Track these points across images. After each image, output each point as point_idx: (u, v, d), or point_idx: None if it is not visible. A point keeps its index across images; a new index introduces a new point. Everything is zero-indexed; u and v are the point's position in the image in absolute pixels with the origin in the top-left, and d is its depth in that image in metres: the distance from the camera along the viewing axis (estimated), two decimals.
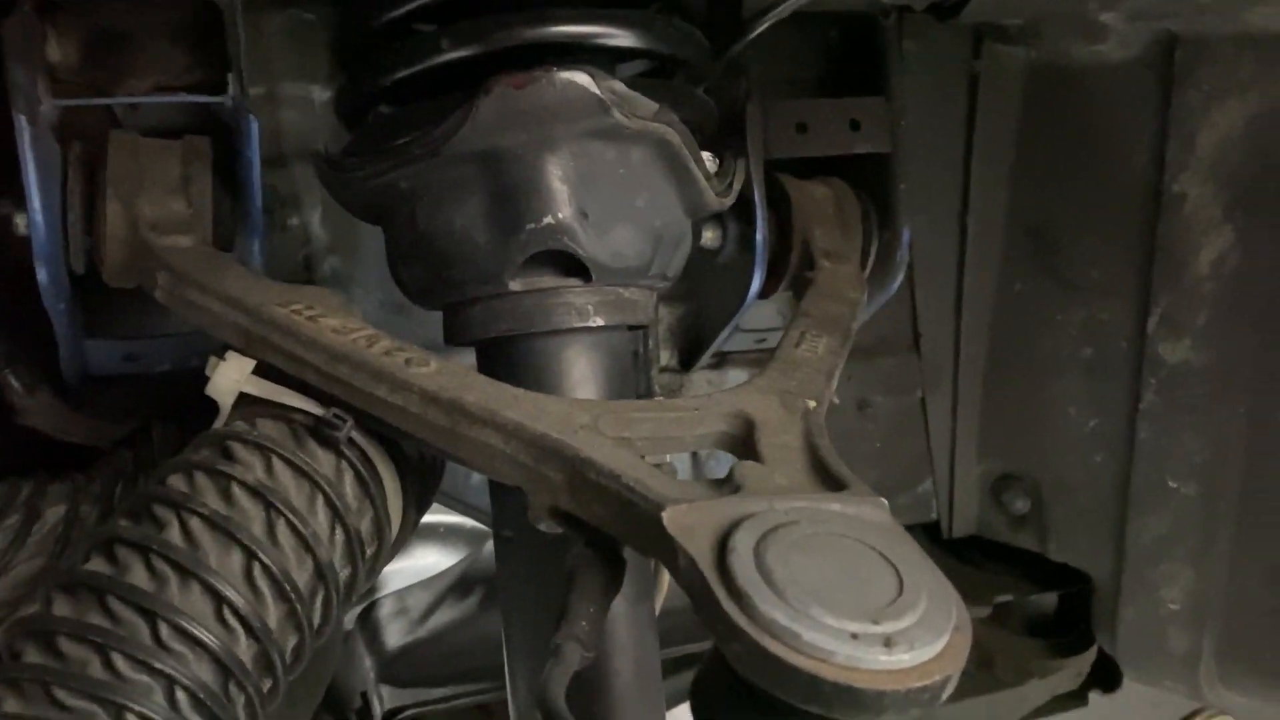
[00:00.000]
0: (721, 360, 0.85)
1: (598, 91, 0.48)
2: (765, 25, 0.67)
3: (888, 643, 0.37)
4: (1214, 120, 0.77)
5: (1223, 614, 0.85)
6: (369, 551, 0.53)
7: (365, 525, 0.52)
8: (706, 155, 0.57)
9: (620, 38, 0.52)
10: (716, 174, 0.57)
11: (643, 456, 0.47)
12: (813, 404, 0.54)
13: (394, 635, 0.84)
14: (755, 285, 0.72)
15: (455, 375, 0.49)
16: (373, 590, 0.89)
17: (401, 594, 0.86)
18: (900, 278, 0.77)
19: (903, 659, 0.37)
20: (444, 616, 0.84)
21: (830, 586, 0.39)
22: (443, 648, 0.83)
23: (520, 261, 0.51)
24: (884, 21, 0.77)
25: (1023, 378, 0.90)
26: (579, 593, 0.44)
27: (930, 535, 0.97)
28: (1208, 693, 0.88)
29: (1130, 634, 0.89)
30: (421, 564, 0.96)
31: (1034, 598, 0.98)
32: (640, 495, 0.43)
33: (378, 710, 0.80)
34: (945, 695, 0.38)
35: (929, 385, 0.92)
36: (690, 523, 0.41)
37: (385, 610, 0.85)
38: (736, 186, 0.58)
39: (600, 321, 0.53)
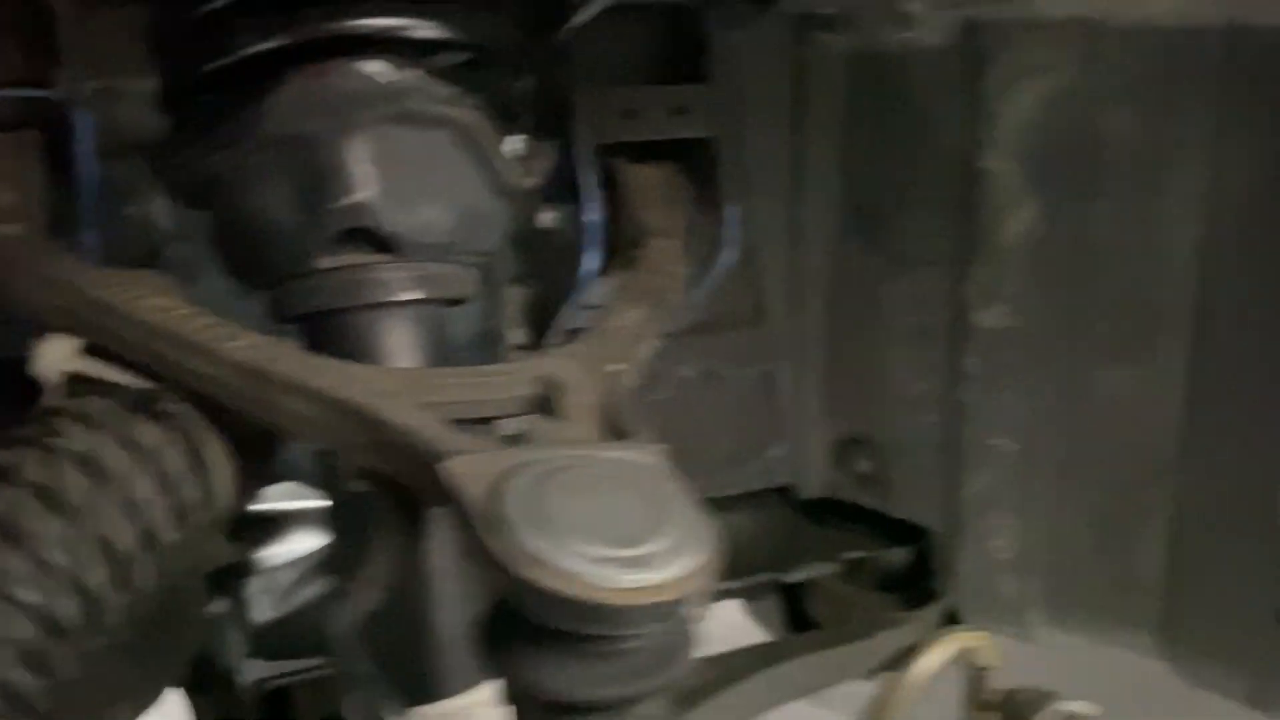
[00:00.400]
0: (574, 337, 0.89)
1: (392, 80, 0.52)
2: (586, 16, 0.72)
3: (633, 564, 0.42)
4: (1014, 101, 0.83)
5: (1047, 560, 0.92)
6: (199, 518, 0.56)
7: (191, 492, 0.55)
8: (519, 138, 0.61)
9: (420, 30, 0.56)
10: (525, 157, 0.61)
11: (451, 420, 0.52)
12: (615, 368, 0.58)
13: (261, 611, 0.86)
14: (589, 264, 0.77)
15: (267, 348, 0.53)
16: (244, 570, 0.92)
17: (270, 572, 0.88)
18: (727, 254, 0.82)
19: (647, 578, 0.41)
20: (309, 591, 0.87)
21: (589, 520, 0.43)
22: (307, 621, 0.86)
23: (327, 240, 0.55)
24: (707, 12, 0.82)
25: (860, 346, 0.96)
26: (377, 541, 0.48)
27: (784, 498, 1.02)
28: (1037, 633, 0.95)
29: (966, 583, 0.96)
30: (301, 548, 0.98)
31: (886, 553, 1.04)
32: (429, 450, 0.47)
33: (244, 683, 0.83)
34: (689, 610, 0.43)
35: (774, 356, 0.98)
36: (470, 471, 0.45)
37: (254, 588, 0.88)
38: (544, 169, 0.62)
39: (411, 296, 0.57)
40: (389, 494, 0.49)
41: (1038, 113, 0.83)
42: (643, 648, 0.43)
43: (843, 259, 0.95)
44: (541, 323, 0.86)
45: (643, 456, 0.48)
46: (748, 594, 1.06)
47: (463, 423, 0.53)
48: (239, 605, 0.87)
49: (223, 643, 0.85)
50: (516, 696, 0.45)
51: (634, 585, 0.41)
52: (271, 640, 0.85)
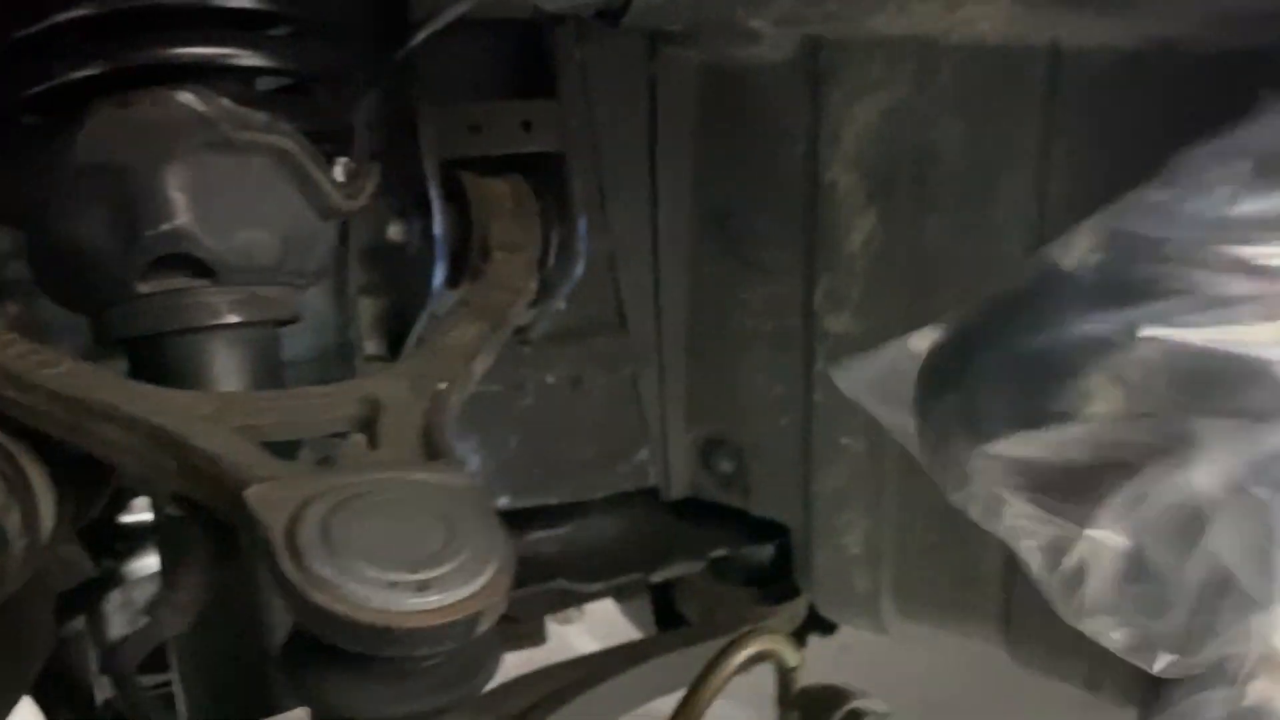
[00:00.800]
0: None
1: (202, 109, 0.53)
2: (423, 36, 0.73)
3: (421, 587, 0.43)
4: (854, 116, 0.86)
5: (894, 555, 0.96)
6: (20, 544, 0.56)
7: (11, 520, 0.55)
8: (344, 160, 0.62)
9: (235, 58, 0.56)
10: (351, 178, 0.62)
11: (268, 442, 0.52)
12: (443, 385, 0.60)
13: (117, 626, 0.86)
14: (438, 277, 0.78)
15: (83, 375, 0.53)
16: (106, 584, 0.91)
17: (128, 588, 0.88)
18: (579, 266, 0.84)
19: (433, 600, 0.43)
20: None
21: (381, 545, 0.44)
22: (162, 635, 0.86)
23: (145, 266, 0.56)
24: (555, 28, 0.83)
25: (720, 351, 0.99)
26: (185, 566, 0.49)
27: (651, 499, 1.05)
28: (889, 625, 0.99)
29: (821, 578, 0.99)
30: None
31: (751, 551, 1.07)
32: (234, 476, 0.48)
33: (99, 698, 0.83)
34: (481, 628, 0.44)
35: (638, 361, 1.00)
36: (273, 498, 0.47)
37: (111, 604, 0.87)
38: (369, 189, 0.63)
39: (235, 319, 0.58)
40: (200, 519, 0.50)
41: (876, 127, 0.86)
42: (441, 664, 0.45)
43: (702, 267, 0.98)
44: (397, 335, 0.87)
45: (448, 478, 0.49)
46: (618, 593, 1.08)
47: (281, 445, 0.54)
48: (96, 621, 0.87)
49: (78, 658, 0.85)
50: (321, 718, 0.46)
51: (421, 608, 0.43)
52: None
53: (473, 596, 0.44)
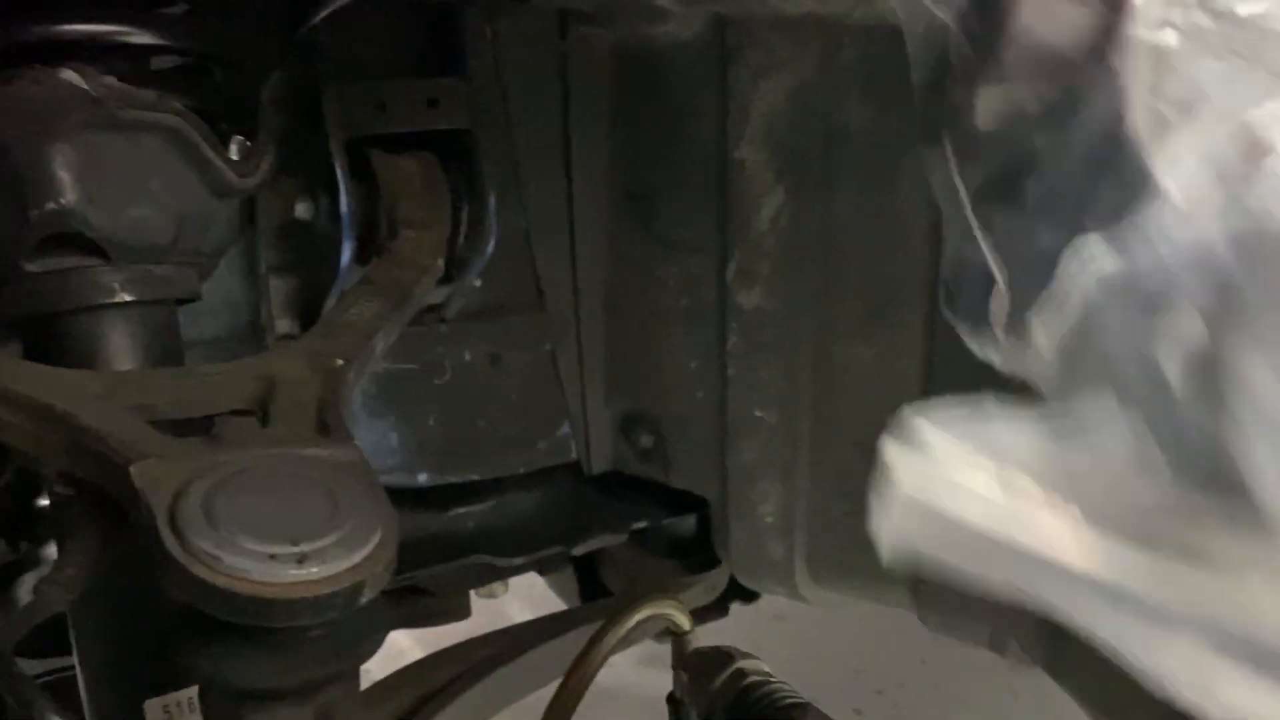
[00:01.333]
0: None
1: (85, 87, 0.53)
2: (325, 13, 0.73)
3: (301, 559, 0.44)
4: (761, 94, 0.87)
5: (806, 524, 0.98)
6: None
7: None
8: (239, 139, 0.62)
9: (123, 36, 0.56)
10: (246, 157, 0.62)
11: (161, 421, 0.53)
12: (340, 363, 0.60)
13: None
14: (346, 255, 0.78)
15: None
16: (25, 565, 0.91)
17: (41, 571, 0.88)
18: (492, 243, 0.85)
19: (313, 572, 0.44)
20: None
21: (263, 518, 0.45)
22: None
23: (33, 245, 0.55)
24: (464, 6, 0.84)
25: (637, 327, 1.00)
26: (71, 544, 0.49)
27: (573, 473, 1.06)
28: (804, 592, 1.02)
29: (738, 547, 1.02)
30: None
31: (672, 522, 1.09)
32: (119, 454, 0.48)
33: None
34: (363, 598, 0.45)
35: (556, 338, 1.01)
36: (157, 475, 0.47)
37: (23, 588, 0.87)
38: (265, 168, 0.63)
39: (129, 297, 0.58)
40: (89, 498, 0.50)
41: (783, 105, 0.87)
42: (326, 634, 0.46)
43: (619, 244, 0.99)
44: (309, 313, 0.87)
45: (336, 453, 0.50)
46: (541, 567, 1.10)
47: (175, 423, 0.54)
48: (9, 605, 0.87)
49: None
50: (208, 690, 0.47)
51: (300, 579, 0.44)
52: (39, 638, 0.84)
53: (354, 568, 0.45)
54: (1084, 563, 0.39)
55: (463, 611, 1.05)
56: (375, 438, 0.92)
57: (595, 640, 0.55)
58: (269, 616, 0.44)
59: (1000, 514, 0.39)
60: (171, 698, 0.52)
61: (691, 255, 0.95)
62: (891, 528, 0.42)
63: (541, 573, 1.13)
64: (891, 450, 0.42)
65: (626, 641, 0.60)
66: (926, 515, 0.41)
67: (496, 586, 1.09)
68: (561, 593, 1.18)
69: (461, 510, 1.00)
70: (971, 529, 0.40)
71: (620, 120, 0.94)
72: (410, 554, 0.97)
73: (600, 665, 0.54)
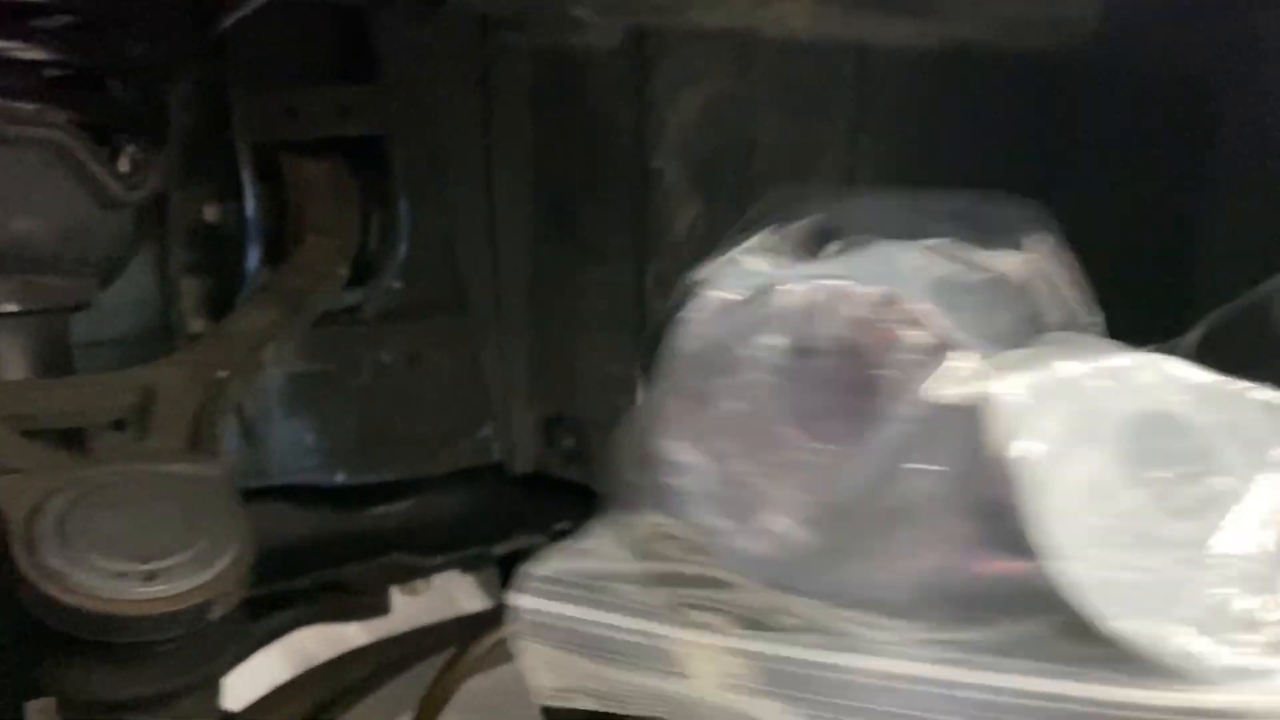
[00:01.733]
0: None
1: None
2: (232, 20, 0.73)
3: (149, 577, 0.45)
4: (678, 105, 0.88)
5: None
6: None
7: None
8: (130, 150, 0.62)
9: (4, 52, 0.57)
10: (136, 168, 0.62)
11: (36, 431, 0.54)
12: (224, 374, 0.61)
13: None
14: (253, 259, 0.79)
15: None
16: None
17: None
18: (403, 247, 0.85)
19: (160, 589, 0.45)
20: None
21: (115, 536, 0.46)
22: None
23: None
24: (376, 12, 0.84)
25: (559, 331, 1.01)
26: None
27: (498, 474, 1.07)
28: None
29: None
30: None
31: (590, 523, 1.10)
32: None
33: None
34: (213, 615, 0.46)
35: (478, 340, 1.02)
36: (17, 489, 0.48)
37: None
38: (153, 180, 0.64)
39: (12, 307, 0.58)
40: None
41: (699, 116, 0.88)
42: (176, 649, 0.47)
43: (540, 247, 1.00)
44: (221, 315, 0.87)
45: (200, 469, 0.51)
46: (465, 565, 1.11)
47: (51, 434, 0.55)
48: None
49: None
50: (63, 703, 0.48)
51: (146, 596, 0.45)
52: None
53: (202, 586, 0.46)
54: None
55: (381, 608, 1.06)
56: (292, 437, 0.93)
57: (450, 665, 0.56)
58: (115, 633, 0.45)
59: None
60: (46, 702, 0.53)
61: (611, 262, 0.96)
62: None
63: (464, 571, 1.14)
64: None
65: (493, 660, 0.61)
66: None
67: (419, 584, 1.10)
68: (486, 590, 1.19)
69: (381, 509, 1.00)
70: None
71: (541, 126, 0.95)
72: (328, 552, 0.99)
73: (455, 690, 0.55)
